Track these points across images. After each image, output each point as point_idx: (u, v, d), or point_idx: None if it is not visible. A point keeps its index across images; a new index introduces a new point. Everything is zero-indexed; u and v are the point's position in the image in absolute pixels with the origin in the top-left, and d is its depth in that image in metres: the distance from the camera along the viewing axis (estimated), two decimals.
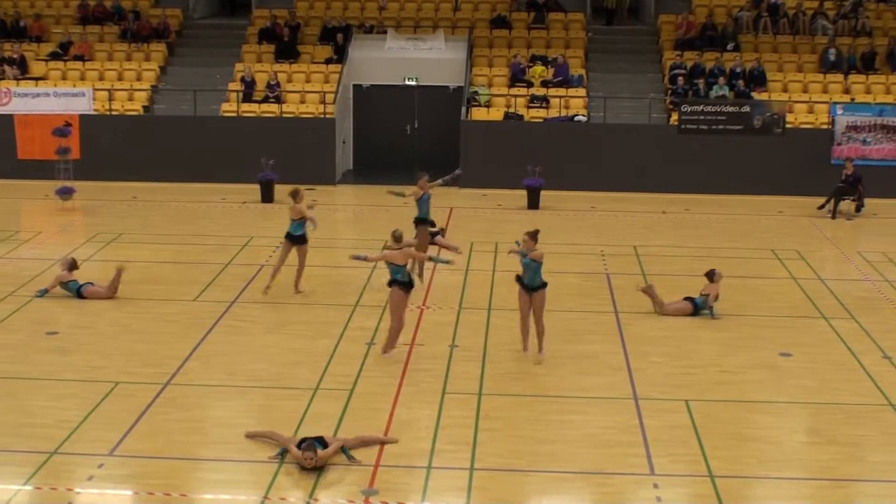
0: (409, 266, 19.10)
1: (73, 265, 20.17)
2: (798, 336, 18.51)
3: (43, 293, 19.97)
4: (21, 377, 16.13)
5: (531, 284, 16.97)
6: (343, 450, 13.26)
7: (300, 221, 20.33)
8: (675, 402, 15.50)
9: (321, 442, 13.16)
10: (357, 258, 17.37)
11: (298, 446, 13.10)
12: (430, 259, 17.85)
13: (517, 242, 17.38)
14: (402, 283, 16.87)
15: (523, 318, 17.23)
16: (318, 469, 12.99)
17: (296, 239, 20.34)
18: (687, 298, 19.52)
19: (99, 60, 33.82)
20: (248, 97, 31.90)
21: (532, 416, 14.98)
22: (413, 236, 21.93)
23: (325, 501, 12.48)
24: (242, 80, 32.15)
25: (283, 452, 13.30)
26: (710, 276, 19.62)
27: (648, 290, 19.64)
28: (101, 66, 33.47)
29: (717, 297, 19.40)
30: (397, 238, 17.14)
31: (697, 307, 19.37)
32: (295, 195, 20.34)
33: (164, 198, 29.03)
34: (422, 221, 20.90)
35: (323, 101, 31.76)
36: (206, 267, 22.19)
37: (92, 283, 20.08)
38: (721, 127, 30.19)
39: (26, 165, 30.27)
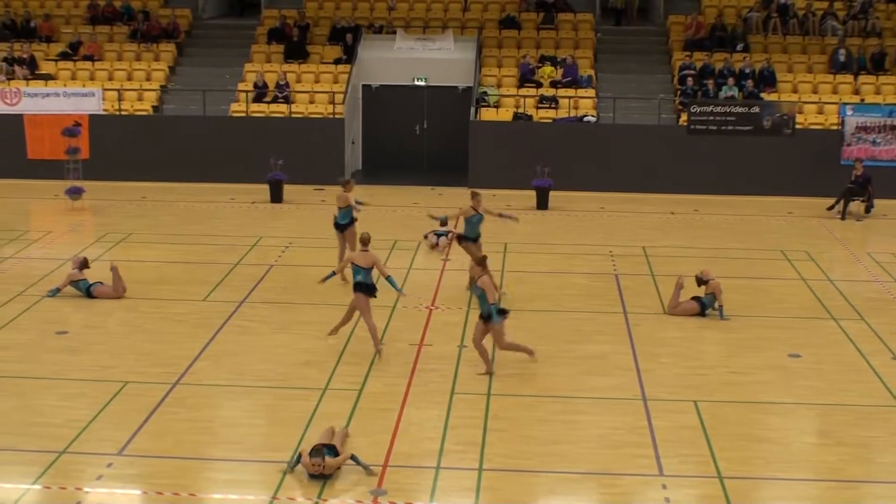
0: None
1: (84, 264, 20.21)
2: (807, 337, 18.49)
3: (55, 292, 20.02)
4: (30, 376, 16.17)
5: (482, 313, 16.38)
6: (353, 457, 13.15)
7: (346, 210, 20.84)
8: (683, 402, 15.48)
9: (332, 450, 13.11)
10: (326, 279, 17.58)
11: (310, 454, 13.02)
12: (387, 278, 17.18)
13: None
14: (363, 286, 16.95)
15: (475, 343, 16.53)
16: (324, 477, 12.97)
17: (341, 227, 20.96)
18: (694, 298, 19.51)
19: (108, 60, 33.88)
20: (259, 98, 31.92)
21: (540, 416, 14.97)
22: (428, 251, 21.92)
23: (333, 501, 12.49)
24: (255, 85, 32.15)
25: (297, 461, 13.21)
26: (700, 281, 19.52)
27: (679, 285, 19.56)
28: (111, 66, 33.53)
29: (721, 291, 19.36)
30: (364, 241, 17.28)
31: (704, 306, 19.36)
32: (345, 184, 21.04)
33: (173, 198, 29.07)
34: (465, 238, 20.40)
35: (332, 102, 31.78)
36: (215, 267, 22.22)
37: (101, 283, 20.12)
38: (730, 128, 30.14)
39: (36, 165, 30.29)
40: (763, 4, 35.04)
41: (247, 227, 25.84)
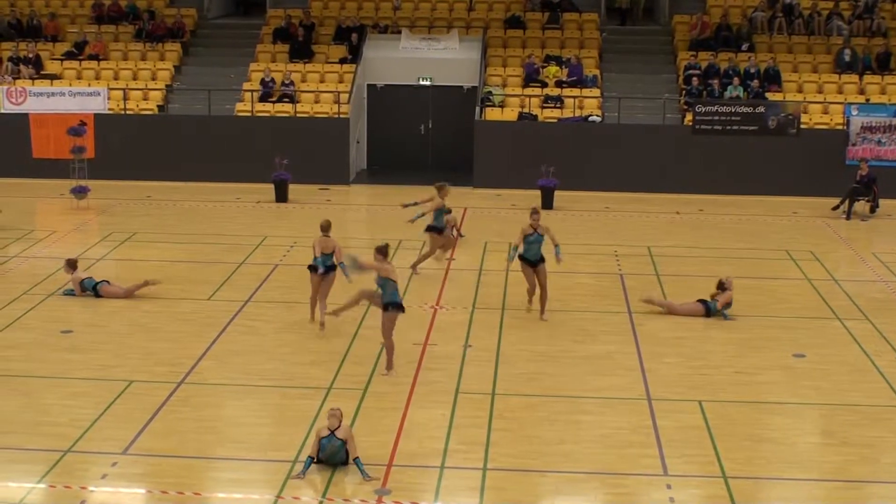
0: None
1: (72, 264, 20.19)
2: (812, 337, 18.47)
3: (71, 292, 20.02)
4: (35, 375, 16.20)
5: (388, 302, 16.24)
6: (356, 460, 13.15)
7: (439, 212, 21.53)
8: (688, 402, 15.48)
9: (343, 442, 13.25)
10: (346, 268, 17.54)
11: (330, 409, 13.37)
12: (339, 264, 17.78)
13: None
14: (312, 266, 18.15)
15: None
16: (332, 466, 13.06)
17: (436, 229, 21.59)
18: (700, 301, 19.46)
19: (114, 60, 33.91)
20: (266, 97, 31.92)
21: (545, 416, 14.97)
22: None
23: (337, 501, 12.50)
24: (262, 81, 32.15)
25: (309, 464, 13.23)
26: (721, 286, 19.49)
27: (649, 302, 19.61)
28: (116, 65, 33.56)
29: (728, 304, 19.32)
30: (324, 227, 18.25)
31: (710, 311, 19.30)
32: (440, 189, 21.66)
33: (178, 197, 29.09)
34: (523, 259, 19.23)
35: (337, 101, 31.79)
36: (220, 266, 22.24)
37: (108, 282, 20.12)
38: (735, 127, 30.13)
39: (41, 164, 30.33)
40: (768, 4, 35.00)
41: (252, 227, 25.86)
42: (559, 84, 32.46)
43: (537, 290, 19.26)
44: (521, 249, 19.37)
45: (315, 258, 18.15)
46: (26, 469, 13.13)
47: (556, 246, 18.98)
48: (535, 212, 19.34)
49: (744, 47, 33.51)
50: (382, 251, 16.29)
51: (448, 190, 21.93)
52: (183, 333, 18.23)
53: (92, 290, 19.98)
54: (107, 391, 15.53)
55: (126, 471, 13.15)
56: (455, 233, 24.64)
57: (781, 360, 17.29)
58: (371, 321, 18.78)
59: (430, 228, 21.64)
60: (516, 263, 19.31)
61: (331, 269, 18.12)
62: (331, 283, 18.15)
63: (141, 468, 13.26)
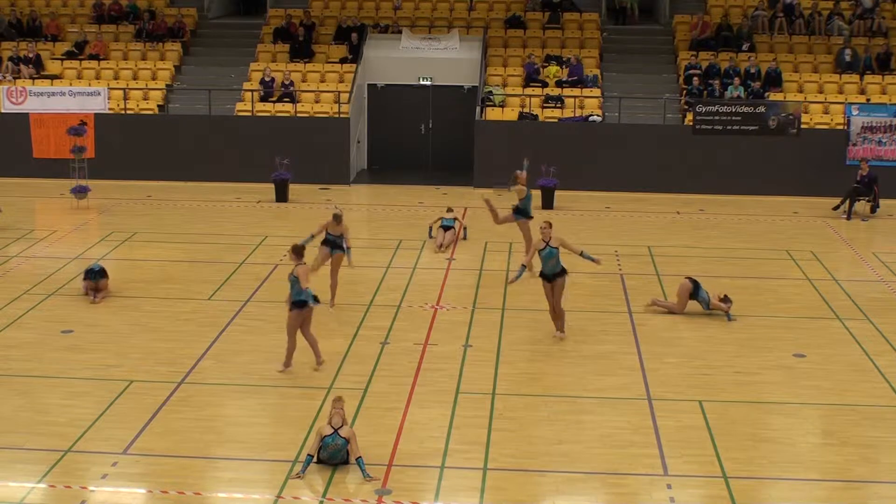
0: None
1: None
2: (812, 337, 18.47)
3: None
4: (36, 375, 16.20)
5: (295, 300, 16.17)
6: (358, 460, 13.16)
7: (527, 199, 22.34)
8: (688, 402, 15.48)
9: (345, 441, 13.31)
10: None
11: (334, 399, 13.57)
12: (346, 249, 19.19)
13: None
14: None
15: (294, 332, 16.51)
16: (332, 465, 13.09)
17: (524, 213, 22.38)
18: (689, 278, 19.49)
19: (114, 59, 33.90)
20: (267, 97, 31.91)
21: (545, 416, 14.96)
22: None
23: (338, 500, 12.50)
24: (262, 81, 32.14)
25: (309, 462, 13.20)
26: (725, 299, 19.49)
27: (655, 305, 19.63)
28: (117, 65, 33.55)
29: (714, 307, 19.33)
30: (337, 217, 19.38)
31: (698, 290, 19.26)
32: (518, 174, 22.72)
33: (178, 197, 29.08)
34: (542, 276, 18.25)
35: (337, 101, 31.77)
36: (221, 266, 22.24)
37: (107, 278, 20.04)
38: (736, 127, 30.11)
39: (41, 164, 30.37)
40: (769, 4, 35.00)
41: (252, 227, 25.85)
42: (559, 84, 32.45)
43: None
44: (527, 268, 19.54)
45: (327, 235, 19.36)
46: (26, 469, 13.14)
47: (582, 254, 18.18)
48: (547, 225, 18.28)
49: (744, 47, 33.50)
50: (297, 251, 16.27)
51: (515, 177, 22.63)
52: (183, 333, 18.23)
53: (100, 271, 19.95)
54: (107, 391, 15.53)
55: (126, 471, 13.16)
56: (459, 231, 24.66)
57: (782, 360, 17.28)
58: (371, 321, 18.81)
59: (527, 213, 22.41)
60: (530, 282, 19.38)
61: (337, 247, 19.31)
62: (338, 261, 19.35)
63: (141, 468, 13.26)
